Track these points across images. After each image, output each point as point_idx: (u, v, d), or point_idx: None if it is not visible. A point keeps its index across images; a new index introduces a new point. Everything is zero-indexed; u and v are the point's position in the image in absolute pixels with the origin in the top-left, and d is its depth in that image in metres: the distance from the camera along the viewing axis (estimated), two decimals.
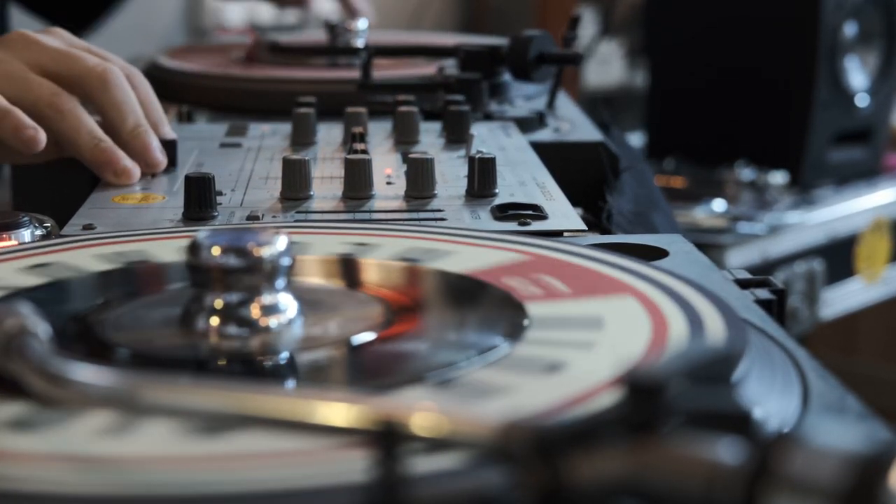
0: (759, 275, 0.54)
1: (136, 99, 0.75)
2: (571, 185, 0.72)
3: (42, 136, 0.70)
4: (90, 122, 0.73)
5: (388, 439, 0.30)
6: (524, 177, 0.73)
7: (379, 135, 0.84)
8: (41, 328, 0.37)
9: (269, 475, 0.32)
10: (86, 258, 0.53)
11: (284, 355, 0.43)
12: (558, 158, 0.81)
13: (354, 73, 1.00)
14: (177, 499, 0.31)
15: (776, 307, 0.51)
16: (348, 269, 0.53)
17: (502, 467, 0.29)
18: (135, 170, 0.72)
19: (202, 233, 0.44)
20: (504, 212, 0.65)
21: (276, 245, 0.43)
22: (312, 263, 0.53)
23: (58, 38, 0.77)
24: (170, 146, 0.76)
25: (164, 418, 0.34)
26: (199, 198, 0.64)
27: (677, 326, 0.43)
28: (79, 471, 0.32)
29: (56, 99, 0.72)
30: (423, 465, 0.31)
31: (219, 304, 0.43)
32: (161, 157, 0.74)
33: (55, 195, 0.81)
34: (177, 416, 0.34)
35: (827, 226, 1.66)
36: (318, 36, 1.29)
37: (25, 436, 0.35)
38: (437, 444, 0.30)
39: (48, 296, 0.49)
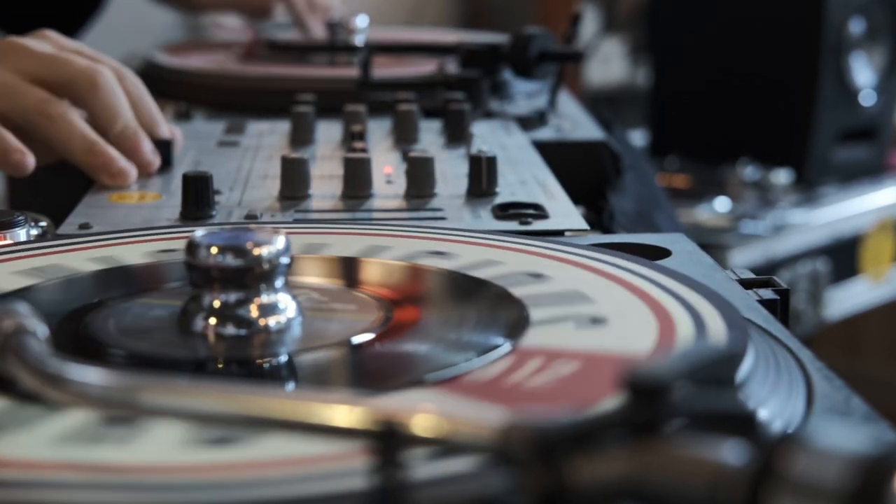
0: (763, 275, 0.54)
1: (127, 100, 0.75)
2: (573, 184, 0.71)
3: (30, 160, 0.70)
4: (82, 126, 0.72)
5: (388, 440, 0.29)
6: (525, 176, 0.72)
7: (378, 133, 0.84)
8: (38, 328, 0.36)
9: (268, 482, 0.31)
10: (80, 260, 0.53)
11: (283, 356, 0.43)
12: (560, 157, 0.81)
13: (354, 71, 0.99)
14: None
15: (780, 307, 0.51)
16: (348, 268, 0.53)
17: (503, 469, 0.29)
18: (130, 171, 0.72)
19: (199, 232, 0.43)
20: (505, 211, 0.64)
21: (275, 244, 0.43)
22: (311, 262, 0.53)
23: (48, 42, 0.76)
24: (164, 146, 0.75)
25: (162, 420, 0.34)
26: (197, 197, 0.64)
27: (683, 328, 0.42)
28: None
29: (46, 105, 0.72)
30: (423, 467, 0.30)
31: (217, 303, 0.43)
32: (152, 158, 0.74)
33: (52, 193, 0.81)
34: (175, 417, 0.33)
35: (831, 225, 1.66)
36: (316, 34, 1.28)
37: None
38: (437, 446, 0.30)
39: (45, 295, 0.48)
